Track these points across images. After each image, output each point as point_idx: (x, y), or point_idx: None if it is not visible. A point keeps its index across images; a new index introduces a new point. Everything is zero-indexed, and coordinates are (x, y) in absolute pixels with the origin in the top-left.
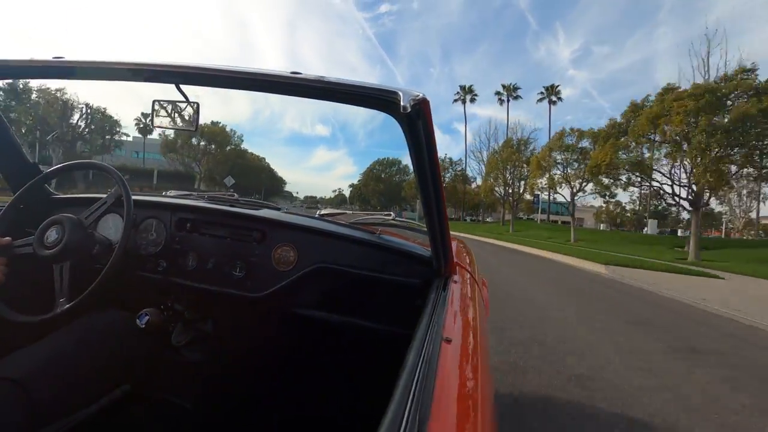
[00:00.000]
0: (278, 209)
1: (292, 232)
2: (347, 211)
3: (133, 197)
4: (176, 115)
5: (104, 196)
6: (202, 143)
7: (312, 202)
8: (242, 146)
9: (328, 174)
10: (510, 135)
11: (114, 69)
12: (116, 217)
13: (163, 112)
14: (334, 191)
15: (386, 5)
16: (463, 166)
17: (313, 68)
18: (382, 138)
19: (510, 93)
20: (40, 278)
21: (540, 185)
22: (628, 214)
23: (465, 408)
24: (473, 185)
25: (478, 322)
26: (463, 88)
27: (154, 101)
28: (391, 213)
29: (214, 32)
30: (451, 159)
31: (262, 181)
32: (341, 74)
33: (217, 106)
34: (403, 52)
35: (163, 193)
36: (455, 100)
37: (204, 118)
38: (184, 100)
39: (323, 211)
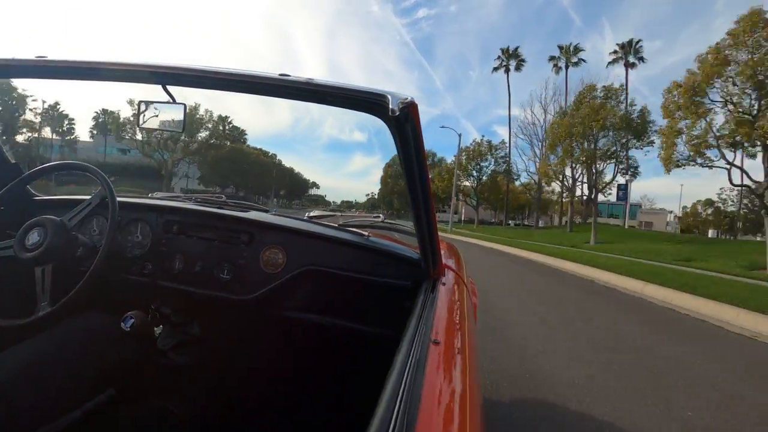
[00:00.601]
0: (266, 211)
1: (281, 234)
2: (336, 213)
3: (119, 199)
4: (163, 115)
5: (88, 197)
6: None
7: (347, 207)
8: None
9: (365, 179)
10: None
11: (100, 69)
12: (101, 219)
13: (150, 113)
14: (367, 195)
15: (424, 10)
16: (507, 150)
17: (351, 76)
18: (426, 142)
19: (569, 57)
20: (22, 282)
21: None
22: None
23: (453, 409)
24: (517, 183)
25: (466, 323)
26: (505, 51)
27: (140, 102)
28: (380, 215)
29: (255, 42)
30: (490, 142)
31: (275, 181)
32: (379, 81)
33: (260, 116)
34: (441, 56)
35: (150, 195)
36: (495, 69)
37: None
38: (171, 101)
39: (312, 213)
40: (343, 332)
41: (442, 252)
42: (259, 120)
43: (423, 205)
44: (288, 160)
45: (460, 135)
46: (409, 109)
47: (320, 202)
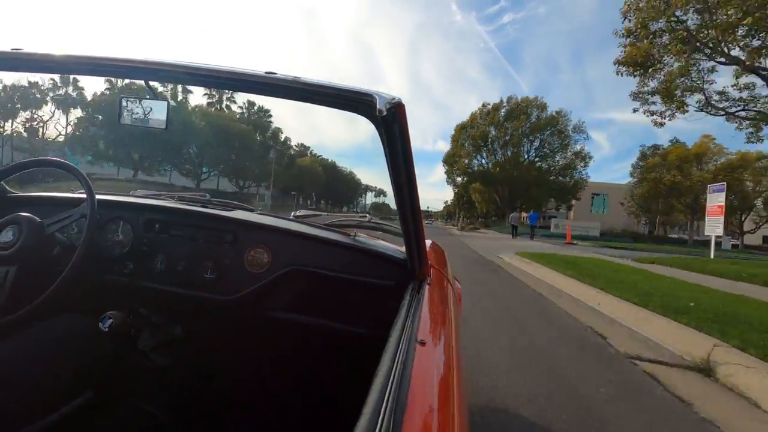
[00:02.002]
0: (251, 210)
1: (266, 233)
2: (323, 213)
3: (99, 197)
4: (145, 112)
5: (64, 195)
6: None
7: (426, 216)
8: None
9: (448, 189)
10: None
11: (81, 63)
12: (80, 218)
13: (131, 109)
14: (445, 202)
15: (509, 15)
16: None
17: (433, 87)
18: None
19: None
20: None
21: None
22: None
23: (439, 410)
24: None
25: (452, 324)
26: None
27: (120, 97)
28: (367, 215)
29: (341, 60)
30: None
31: (324, 186)
32: (461, 90)
33: (342, 125)
34: (528, 60)
35: (131, 192)
36: None
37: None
38: (153, 96)
39: (298, 213)
40: (328, 333)
41: (428, 252)
42: (340, 134)
43: (409, 206)
44: (367, 174)
45: None
46: (396, 109)
47: (383, 209)
